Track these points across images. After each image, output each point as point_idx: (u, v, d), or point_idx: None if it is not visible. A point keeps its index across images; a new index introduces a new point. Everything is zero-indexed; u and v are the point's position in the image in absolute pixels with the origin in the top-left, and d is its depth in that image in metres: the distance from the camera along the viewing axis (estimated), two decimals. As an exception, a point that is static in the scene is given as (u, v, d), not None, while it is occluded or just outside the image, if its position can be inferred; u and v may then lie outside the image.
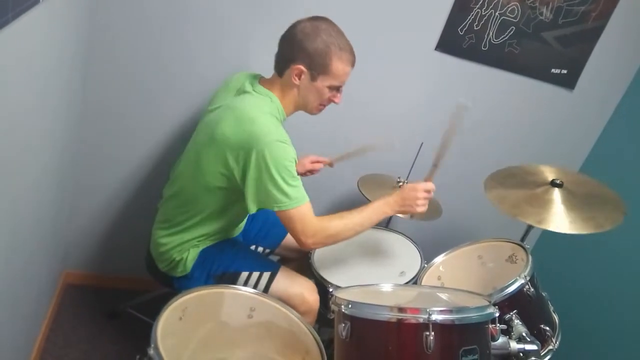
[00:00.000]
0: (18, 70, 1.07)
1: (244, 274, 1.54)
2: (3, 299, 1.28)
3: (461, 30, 1.98)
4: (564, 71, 2.15)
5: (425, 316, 1.07)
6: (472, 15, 1.96)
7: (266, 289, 1.53)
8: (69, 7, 1.44)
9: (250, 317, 1.37)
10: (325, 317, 1.62)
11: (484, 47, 2.02)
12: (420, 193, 1.56)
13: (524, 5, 1.97)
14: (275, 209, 1.39)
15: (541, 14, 2.00)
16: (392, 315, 1.11)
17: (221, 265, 1.56)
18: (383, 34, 1.95)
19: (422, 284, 1.65)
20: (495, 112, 2.21)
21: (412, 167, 1.94)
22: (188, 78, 1.85)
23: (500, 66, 2.08)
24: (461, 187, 2.30)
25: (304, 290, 1.55)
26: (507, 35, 2.01)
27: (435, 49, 2.01)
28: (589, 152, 2.39)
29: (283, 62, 1.48)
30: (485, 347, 1.16)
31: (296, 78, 1.46)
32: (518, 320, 1.39)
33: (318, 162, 1.91)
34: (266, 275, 1.54)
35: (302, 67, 1.44)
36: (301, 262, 1.83)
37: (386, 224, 2.05)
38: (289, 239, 1.84)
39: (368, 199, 1.85)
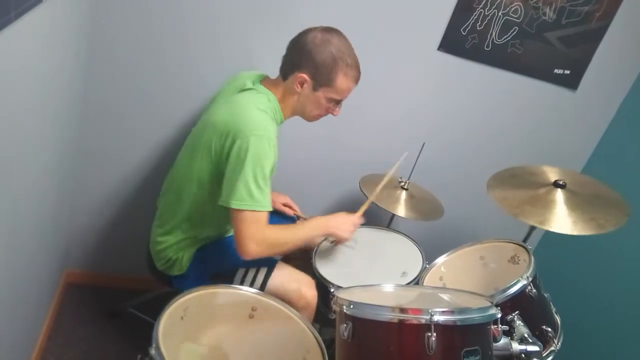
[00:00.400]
0: (20, 70, 1.07)
1: (241, 270, 1.55)
2: (4, 298, 1.28)
3: (464, 31, 1.97)
4: (567, 72, 2.15)
5: (427, 317, 1.07)
6: (475, 15, 1.95)
7: (263, 285, 1.53)
8: (71, 7, 1.44)
9: (251, 316, 1.36)
10: (326, 317, 1.62)
11: (487, 47, 2.02)
12: (350, 226, 1.62)
13: (527, 6, 1.96)
14: (234, 206, 1.34)
15: (544, 14, 1.99)
16: (394, 316, 1.10)
17: (218, 263, 1.57)
18: (385, 34, 1.95)
19: (424, 284, 1.65)
20: (497, 113, 2.21)
21: (413, 167, 1.94)
22: (188, 78, 1.85)
23: (503, 66, 2.08)
24: (463, 188, 2.30)
25: (302, 286, 1.55)
26: (510, 35, 2.01)
27: (438, 49, 2.01)
28: (591, 153, 2.39)
29: (289, 66, 1.48)
30: (487, 348, 1.15)
31: (299, 86, 1.47)
32: (520, 321, 1.39)
33: (290, 207, 1.92)
34: (263, 270, 1.55)
35: (306, 76, 1.45)
36: (304, 260, 1.83)
37: (388, 224, 2.05)
38: None
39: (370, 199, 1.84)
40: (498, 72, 2.09)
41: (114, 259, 2.14)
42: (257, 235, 1.38)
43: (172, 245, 1.54)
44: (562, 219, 1.56)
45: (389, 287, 1.44)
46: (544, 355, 1.38)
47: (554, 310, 1.55)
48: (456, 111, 2.18)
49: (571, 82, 2.18)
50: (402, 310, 1.11)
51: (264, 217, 1.39)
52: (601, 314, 2.19)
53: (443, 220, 1.94)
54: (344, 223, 1.62)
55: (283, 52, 1.52)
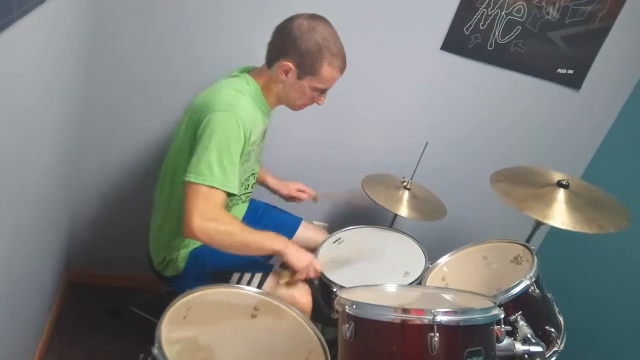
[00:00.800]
0: (22, 69, 1.08)
1: (236, 275, 1.54)
2: (6, 297, 1.28)
3: (467, 30, 1.97)
4: (570, 71, 2.14)
5: (430, 317, 1.06)
6: (478, 15, 1.95)
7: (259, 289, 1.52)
8: (73, 6, 1.45)
9: (254, 316, 1.36)
10: (329, 317, 1.62)
11: (490, 46, 2.01)
12: (305, 261, 1.50)
13: (530, 5, 1.96)
14: (191, 180, 1.29)
15: (547, 13, 1.99)
16: (397, 316, 1.10)
17: (214, 265, 1.55)
18: (388, 34, 1.94)
19: (427, 284, 1.64)
20: (500, 112, 2.20)
21: (416, 167, 1.93)
22: (191, 76, 1.85)
23: (506, 66, 2.07)
24: (466, 188, 2.29)
25: (296, 293, 1.53)
26: (513, 35, 2.00)
27: (441, 49, 2.00)
28: (594, 152, 2.38)
29: (274, 54, 1.47)
30: (490, 349, 1.15)
31: (283, 74, 1.45)
32: (523, 322, 1.38)
33: (304, 192, 1.91)
34: (258, 276, 1.54)
35: (290, 64, 1.43)
36: None
37: (390, 224, 2.04)
38: (297, 238, 1.84)
39: (372, 199, 1.84)
40: (501, 72, 2.08)
41: (116, 257, 2.14)
42: (207, 213, 1.30)
43: (166, 245, 1.54)
44: (564, 216, 1.56)
45: (391, 287, 1.44)
46: (547, 355, 1.37)
47: (557, 310, 1.55)
48: (459, 111, 2.17)
49: (574, 82, 2.17)
50: (405, 310, 1.10)
51: (221, 196, 1.32)
52: (604, 314, 2.19)
53: (446, 220, 1.93)
54: (304, 255, 1.50)
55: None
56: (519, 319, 1.39)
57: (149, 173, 1.99)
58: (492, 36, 1.99)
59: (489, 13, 1.95)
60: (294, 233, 1.85)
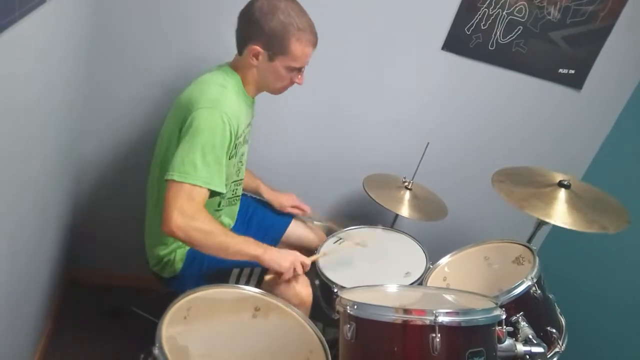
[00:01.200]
0: (23, 69, 1.08)
1: (236, 271, 1.54)
2: (7, 297, 1.28)
3: (468, 30, 1.97)
4: (572, 71, 2.14)
5: (432, 318, 1.06)
6: (479, 15, 1.94)
7: (258, 284, 1.52)
8: (74, 6, 1.45)
9: (254, 316, 1.36)
10: (329, 317, 1.62)
11: (491, 46, 2.01)
12: (297, 262, 1.47)
13: (531, 5, 1.95)
14: (174, 177, 1.27)
15: (549, 13, 1.99)
16: (398, 317, 1.10)
17: (212, 263, 1.54)
18: (389, 34, 1.94)
19: (428, 285, 1.64)
20: (502, 112, 2.20)
21: (417, 167, 1.93)
22: (193, 74, 1.83)
23: (507, 66, 2.07)
24: (467, 188, 2.29)
25: (297, 285, 1.53)
26: (514, 35, 2.00)
27: (442, 49, 2.00)
28: (595, 153, 2.38)
29: (241, 40, 1.45)
30: (491, 350, 1.15)
31: (253, 58, 1.43)
32: (524, 323, 1.38)
33: (298, 207, 1.87)
34: (257, 270, 1.54)
35: (258, 48, 1.41)
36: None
37: (391, 224, 2.04)
38: (289, 235, 1.84)
39: (373, 199, 1.84)
40: (502, 72, 2.08)
41: (117, 257, 2.14)
42: (187, 210, 1.27)
43: (158, 240, 1.54)
44: (566, 216, 1.56)
45: (392, 288, 1.44)
46: (548, 356, 1.37)
47: (558, 311, 1.54)
48: (460, 111, 2.17)
49: (576, 82, 2.17)
50: (406, 311, 1.10)
51: (203, 194, 1.31)
52: (606, 315, 2.18)
53: (447, 220, 1.93)
54: (285, 255, 1.46)
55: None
56: (520, 319, 1.39)
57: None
58: (493, 36, 1.99)
59: (490, 13, 1.95)
60: (284, 230, 1.85)
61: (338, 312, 1.24)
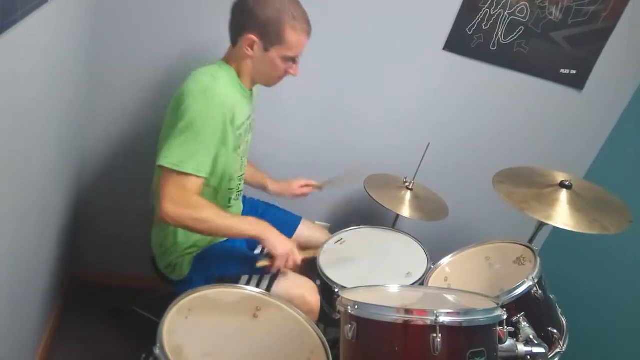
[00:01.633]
0: (25, 69, 1.08)
1: (244, 278, 1.54)
2: (9, 297, 1.28)
3: (470, 30, 1.96)
4: (573, 71, 2.14)
5: (433, 318, 1.06)
6: (480, 15, 1.94)
7: (267, 291, 1.52)
8: (76, 7, 1.45)
9: (255, 316, 1.36)
10: (330, 318, 1.62)
11: (493, 47, 2.01)
12: (286, 247, 1.45)
13: (533, 5, 1.95)
14: (163, 164, 1.30)
15: (550, 14, 1.98)
16: (399, 317, 1.10)
17: (220, 269, 1.55)
18: (391, 34, 1.94)
19: (429, 285, 1.64)
20: (503, 113, 2.20)
21: (418, 167, 1.93)
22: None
23: (508, 66, 2.07)
24: (468, 188, 2.29)
25: (305, 292, 1.54)
26: (516, 35, 2.00)
27: (444, 49, 2.00)
28: (597, 153, 2.37)
29: (236, 31, 1.44)
30: (492, 350, 1.15)
31: (248, 49, 1.42)
32: (526, 323, 1.38)
33: (307, 185, 1.88)
34: (267, 277, 1.54)
35: (254, 37, 1.40)
36: (308, 260, 1.83)
37: (392, 224, 2.04)
38: (298, 236, 1.83)
39: (374, 199, 1.84)
40: (504, 72, 2.08)
41: (119, 257, 2.14)
42: (179, 199, 1.30)
43: (170, 249, 1.54)
44: (567, 217, 1.56)
45: (393, 288, 1.44)
46: (549, 357, 1.36)
47: (559, 311, 1.54)
48: (461, 111, 2.17)
49: (577, 82, 2.17)
50: (407, 311, 1.10)
51: (195, 183, 1.33)
52: (607, 315, 2.18)
53: (448, 220, 1.93)
54: (284, 241, 1.46)
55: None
56: (521, 320, 1.39)
57: (154, 171, 1.99)
58: (494, 36, 1.99)
59: (492, 13, 1.95)
60: (294, 232, 1.85)
61: (339, 312, 1.24)
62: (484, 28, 1.97)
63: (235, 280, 1.53)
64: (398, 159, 2.08)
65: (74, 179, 1.88)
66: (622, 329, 2.10)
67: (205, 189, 1.46)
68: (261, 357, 1.28)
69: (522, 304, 1.40)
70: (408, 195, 1.92)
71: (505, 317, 1.17)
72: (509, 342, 1.27)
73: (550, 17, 1.99)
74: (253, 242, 1.77)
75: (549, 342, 1.40)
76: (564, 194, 1.63)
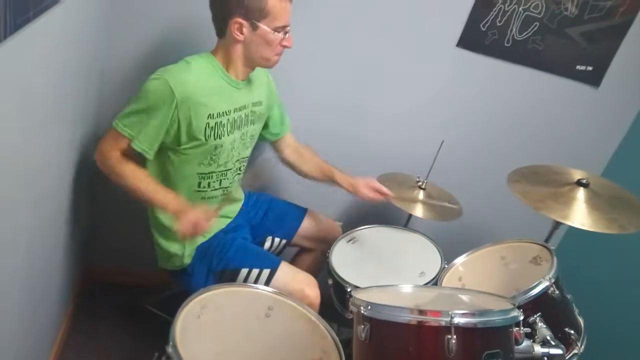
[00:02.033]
0: (37, 68, 1.08)
1: (244, 271, 1.54)
2: (25, 295, 1.29)
3: (483, 26, 1.94)
4: (590, 68, 2.10)
5: (447, 319, 1.05)
6: (495, 11, 1.92)
7: (267, 284, 1.52)
8: (88, 6, 1.46)
9: (267, 315, 1.36)
10: (344, 317, 1.61)
11: (507, 43, 1.98)
12: (195, 223, 1.39)
13: (548, 1, 1.92)
14: (112, 124, 1.43)
15: (566, 9, 1.95)
16: (413, 318, 1.09)
17: (221, 261, 1.56)
18: (404, 30, 1.92)
19: (443, 285, 1.62)
20: (518, 110, 2.17)
21: (432, 165, 1.91)
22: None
23: (523, 63, 2.04)
24: (482, 187, 2.26)
25: (305, 286, 1.53)
26: (530, 31, 1.97)
27: (457, 45, 1.98)
28: (614, 150, 2.33)
29: (220, 22, 1.46)
30: (509, 351, 1.13)
31: (238, 33, 1.43)
32: (542, 324, 1.36)
33: (378, 192, 1.74)
34: (266, 272, 1.53)
35: (240, 20, 1.41)
36: (321, 252, 1.82)
37: (405, 223, 2.02)
38: (304, 228, 1.83)
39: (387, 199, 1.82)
40: (518, 69, 2.05)
41: (132, 255, 2.15)
42: (104, 150, 1.45)
43: (160, 236, 1.59)
44: (584, 217, 1.53)
45: (407, 288, 1.42)
46: (567, 358, 1.35)
47: (576, 312, 1.52)
48: (475, 109, 2.14)
49: (593, 79, 2.13)
50: (421, 312, 1.09)
51: (124, 143, 1.43)
52: (625, 316, 2.14)
53: (462, 219, 1.91)
54: (184, 214, 1.40)
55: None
56: (538, 320, 1.37)
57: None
58: (509, 32, 1.96)
59: (506, 9, 1.92)
60: (299, 224, 1.84)
61: (352, 312, 1.23)
62: (498, 24, 1.94)
63: (235, 274, 1.54)
64: (411, 157, 2.06)
65: (88, 177, 1.89)
66: (639, 330, 2.06)
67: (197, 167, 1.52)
68: (273, 356, 1.28)
69: (538, 305, 1.38)
70: (421, 194, 1.90)
71: (521, 318, 1.15)
72: (526, 343, 1.24)
73: (566, 13, 1.96)
74: (257, 235, 1.79)
75: (566, 343, 1.38)
76: (581, 193, 1.61)
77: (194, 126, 1.43)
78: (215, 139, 1.48)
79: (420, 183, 1.92)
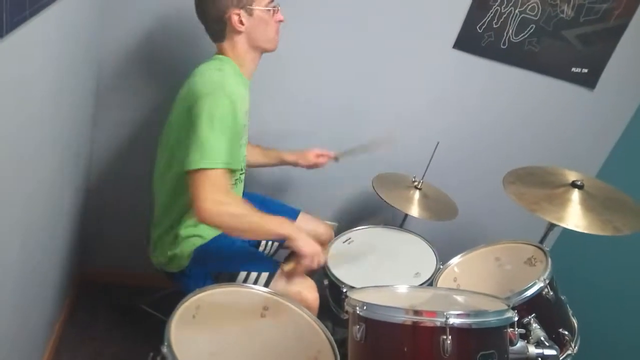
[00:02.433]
0: (34, 67, 1.08)
1: (242, 274, 1.53)
2: (19, 295, 1.29)
3: (480, 28, 1.95)
4: (585, 70, 2.11)
5: (442, 319, 1.05)
6: (491, 13, 1.92)
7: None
8: (83, 6, 1.45)
9: (263, 316, 1.36)
10: (339, 317, 1.61)
11: (503, 45, 1.99)
12: (316, 259, 1.44)
13: (544, 3, 1.93)
14: (193, 166, 1.29)
15: (562, 11, 1.96)
16: (408, 318, 1.09)
17: (219, 264, 1.55)
18: (400, 32, 1.93)
19: (438, 285, 1.63)
20: (513, 112, 2.18)
21: (427, 166, 1.92)
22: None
23: (519, 65, 2.04)
24: (477, 188, 2.27)
25: (303, 289, 1.52)
26: (526, 33, 1.98)
27: (453, 47, 1.98)
28: (609, 152, 2.34)
29: (218, 23, 1.45)
30: (503, 352, 1.13)
31: (239, 24, 1.43)
32: (536, 324, 1.37)
33: (323, 155, 1.87)
34: (264, 275, 1.53)
35: (236, 10, 1.42)
36: None
37: (400, 224, 2.03)
38: None
39: (382, 198, 1.83)
40: (514, 71, 2.06)
41: (127, 256, 2.14)
42: (217, 197, 1.30)
43: (164, 236, 1.56)
44: (578, 218, 1.53)
45: (402, 288, 1.43)
46: (561, 359, 1.35)
47: (570, 313, 1.52)
48: (471, 110, 2.15)
49: (589, 81, 2.14)
50: (417, 312, 1.09)
51: (225, 177, 1.34)
52: (619, 317, 2.15)
53: (457, 220, 1.92)
54: (311, 242, 1.45)
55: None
56: (532, 321, 1.38)
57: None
58: (505, 34, 1.97)
59: (503, 11, 1.93)
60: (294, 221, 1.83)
61: (347, 312, 1.23)
62: (494, 26, 1.95)
63: (233, 277, 1.53)
64: (407, 158, 2.07)
65: (83, 177, 1.89)
66: (633, 331, 2.08)
67: None
68: (268, 356, 1.28)
69: (533, 306, 1.39)
70: (417, 194, 1.91)
71: (516, 318, 1.15)
72: (520, 344, 1.25)
73: (562, 15, 1.97)
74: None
75: (560, 343, 1.38)
76: (575, 194, 1.61)
77: (239, 131, 1.43)
78: (242, 147, 1.50)
79: (416, 183, 1.93)
